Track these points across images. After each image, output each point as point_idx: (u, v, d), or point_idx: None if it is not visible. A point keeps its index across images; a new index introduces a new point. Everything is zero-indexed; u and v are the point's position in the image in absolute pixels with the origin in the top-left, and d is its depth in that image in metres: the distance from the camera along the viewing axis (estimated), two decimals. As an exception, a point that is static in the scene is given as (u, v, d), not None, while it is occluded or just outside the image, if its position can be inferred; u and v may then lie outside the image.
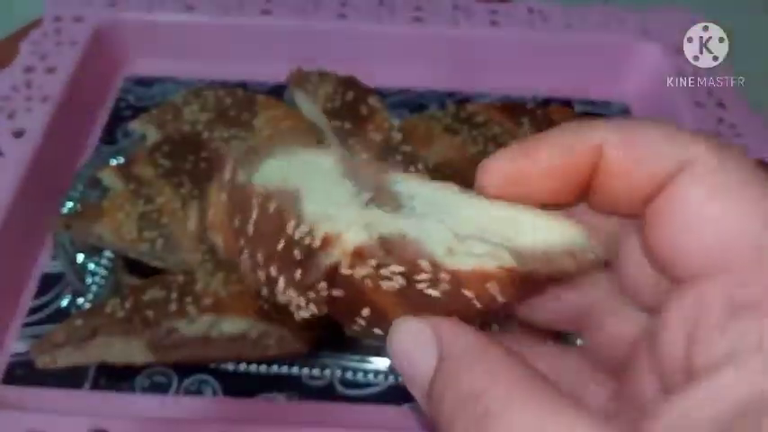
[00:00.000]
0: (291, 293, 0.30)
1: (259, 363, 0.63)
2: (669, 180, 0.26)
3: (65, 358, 0.57)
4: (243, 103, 0.73)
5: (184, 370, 0.64)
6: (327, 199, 0.29)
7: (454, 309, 0.28)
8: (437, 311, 0.28)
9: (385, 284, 0.28)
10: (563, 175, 0.29)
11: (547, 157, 0.29)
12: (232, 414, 0.62)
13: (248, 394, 0.63)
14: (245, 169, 0.31)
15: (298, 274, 0.29)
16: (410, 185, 0.31)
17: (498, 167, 0.30)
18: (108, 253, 0.68)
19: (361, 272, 0.28)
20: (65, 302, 0.67)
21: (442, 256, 0.27)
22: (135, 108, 0.86)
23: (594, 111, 0.90)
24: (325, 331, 0.64)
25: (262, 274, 0.30)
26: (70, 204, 0.71)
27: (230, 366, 0.63)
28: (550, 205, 0.30)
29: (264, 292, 0.31)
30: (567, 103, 0.88)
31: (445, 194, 0.30)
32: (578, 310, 0.35)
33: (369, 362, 0.63)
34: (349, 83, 0.70)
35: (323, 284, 0.29)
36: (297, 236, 0.28)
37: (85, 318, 0.56)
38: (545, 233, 0.28)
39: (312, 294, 0.29)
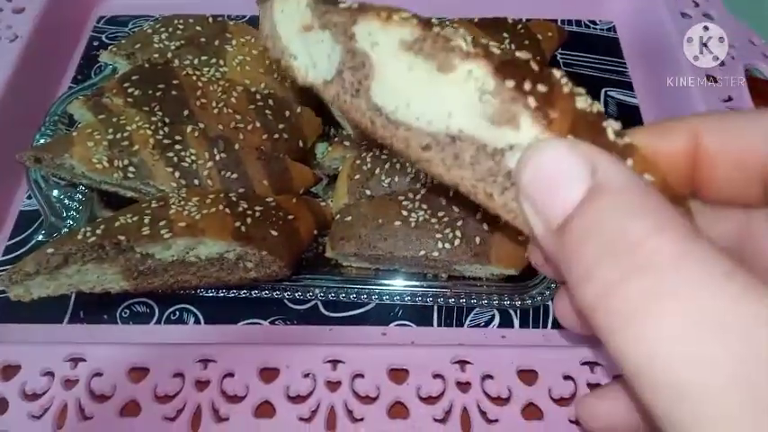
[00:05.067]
0: None
1: (241, 288, 0.62)
2: None
3: (39, 289, 0.56)
4: (213, 31, 0.71)
5: (165, 300, 0.63)
6: None
7: None
8: None
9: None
10: (665, 163, 0.29)
11: (645, 143, 0.29)
12: (215, 341, 0.61)
13: (231, 321, 0.63)
14: None
15: None
16: None
17: None
18: (83, 188, 0.66)
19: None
20: (41, 238, 0.65)
21: None
22: (109, 46, 0.83)
23: (580, 31, 0.88)
24: (306, 255, 0.63)
25: None
26: (42, 141, 0.69)
27: (212, 293, 0.62)
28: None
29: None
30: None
31: None
32: None
33: (351, 285, 0.62)
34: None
35: None
36: None
37: (56, 245, 0.55)
38: None
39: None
